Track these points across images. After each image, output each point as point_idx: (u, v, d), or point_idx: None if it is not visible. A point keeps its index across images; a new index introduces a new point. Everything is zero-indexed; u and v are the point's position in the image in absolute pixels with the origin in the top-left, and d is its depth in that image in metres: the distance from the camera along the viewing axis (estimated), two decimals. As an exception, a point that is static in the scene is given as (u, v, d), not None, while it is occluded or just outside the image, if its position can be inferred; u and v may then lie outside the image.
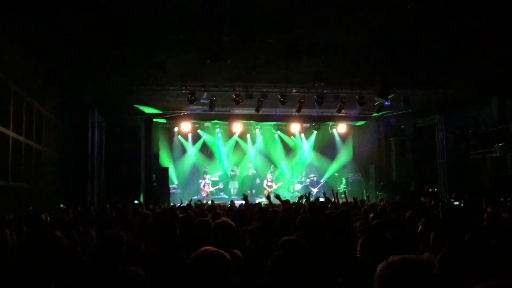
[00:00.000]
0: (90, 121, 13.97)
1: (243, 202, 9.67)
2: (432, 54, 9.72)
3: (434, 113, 16.43)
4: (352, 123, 18.89)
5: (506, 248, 2.61)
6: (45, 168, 11.75)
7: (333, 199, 8.20)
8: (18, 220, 6.13)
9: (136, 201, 13.38)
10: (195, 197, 16.22)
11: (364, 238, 2.98)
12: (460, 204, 8.94)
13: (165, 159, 18.27)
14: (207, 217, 5.17)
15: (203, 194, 17.47)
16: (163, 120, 17.62)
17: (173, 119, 17.59)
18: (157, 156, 17.59)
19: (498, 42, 8.94)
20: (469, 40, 8.86)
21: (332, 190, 11.34)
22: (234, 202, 11.21)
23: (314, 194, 17.86)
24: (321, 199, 10.84)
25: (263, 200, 14.95)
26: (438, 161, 16.44)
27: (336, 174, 19.44)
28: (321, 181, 18.91)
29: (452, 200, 10.65)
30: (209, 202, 10.84)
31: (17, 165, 9.61)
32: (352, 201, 9.84)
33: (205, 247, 2.35)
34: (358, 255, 2.94)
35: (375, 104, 14.41)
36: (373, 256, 2.59)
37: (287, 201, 9.38)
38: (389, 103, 13.97)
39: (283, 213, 5.41)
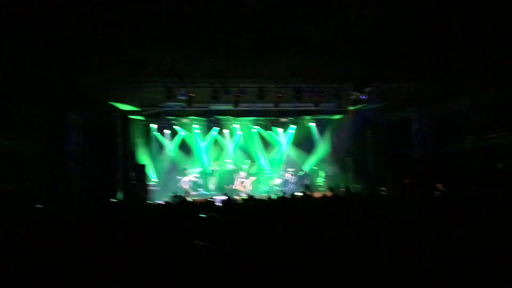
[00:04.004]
0: (69, 120, 13.73)
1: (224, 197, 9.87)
2: (407, 50, 9.94)
3: (409, 106, 16.78)
4: (329, 116, 19.12)
5: None
6: (22, 167, 11.54)
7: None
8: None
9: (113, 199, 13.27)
10: (175, 194, 16.16)
11: None
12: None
13: (143, 156, 18.10)
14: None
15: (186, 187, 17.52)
16: (141, 117, 17.43)
17: (150, 116, 17.42)
18: (134, 153, 17.42)
19: (472, 40, 9.21)
20: (444, 38, 9.10)
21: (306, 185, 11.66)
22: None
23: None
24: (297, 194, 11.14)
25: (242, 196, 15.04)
26: (413, 153, 16.82)
27: (314, 167, 19.66)
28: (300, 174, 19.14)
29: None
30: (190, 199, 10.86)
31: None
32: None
33: None
34: None
35: (351, 98, 14.61)
36: None
37: None
38: (366, 97, 14.20)
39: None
